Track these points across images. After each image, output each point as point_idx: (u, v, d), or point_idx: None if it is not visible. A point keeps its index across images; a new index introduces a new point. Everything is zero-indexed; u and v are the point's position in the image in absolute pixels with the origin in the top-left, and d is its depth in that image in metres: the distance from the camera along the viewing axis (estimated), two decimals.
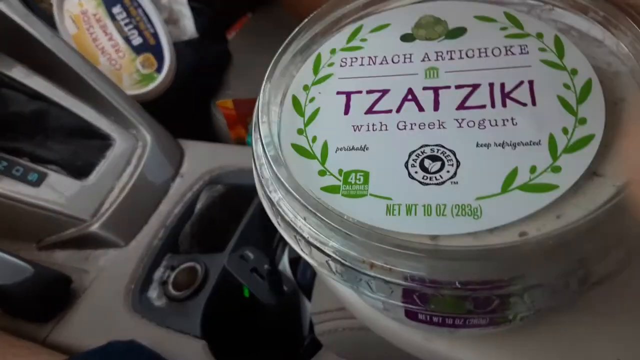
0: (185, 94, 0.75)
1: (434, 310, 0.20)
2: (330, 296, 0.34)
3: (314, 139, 0.22)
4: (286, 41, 0.26)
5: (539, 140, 0.19)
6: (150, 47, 0.71)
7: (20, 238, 0.57)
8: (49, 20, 0.67)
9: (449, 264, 0.17)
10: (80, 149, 0.59)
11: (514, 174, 0.18)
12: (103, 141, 0.61)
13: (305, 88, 0.24)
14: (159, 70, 0.71)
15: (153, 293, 0.51)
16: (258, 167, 0.22)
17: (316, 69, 0.25)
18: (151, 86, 0.71)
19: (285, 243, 0.47)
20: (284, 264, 0.47)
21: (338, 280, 0.20)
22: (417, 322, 0.23)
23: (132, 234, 0.57)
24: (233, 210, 0.58)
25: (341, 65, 0.24)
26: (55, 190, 0.56)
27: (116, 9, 0.70)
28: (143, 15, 0.71)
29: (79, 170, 0.58)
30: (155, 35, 0.71)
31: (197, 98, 0.77)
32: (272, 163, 0.20)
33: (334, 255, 0.18)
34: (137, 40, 0.71)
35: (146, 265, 0.54)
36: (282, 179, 0.20)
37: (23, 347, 0.46)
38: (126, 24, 0.70)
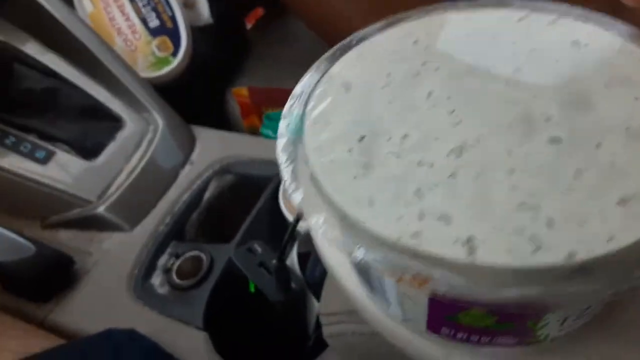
0: (199, 80, 0.73)
1: (460, 323, 0.19)
2: (341, 298, 0.33)
3: None
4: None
5: None
6: (167, 30, 0.70)
7: (25, 215, 0.56)
8: None
9: (484, 282, 0.15)
10: (90, 129, 0.58)
11: None
12: (114, 123, 0.60)
13: None
14: (174, 54, 0.70)
15: (156, 280, 0.50)
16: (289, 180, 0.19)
17: None
18: (166, 70, 0.69)
19: (294, 238, 0.46)
20: (292, 259, 0.45)
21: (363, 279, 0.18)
22: (440, 337, 0.21)
23: (138, 218, 0.55)
24: (242, 202, 0.57)
25: None
26: (63, 169, 0.55)
27: None
28: None
29: (88, 151, 0.57)
30: (173, 18, 0.70)
31: (211, 85, 0.76)
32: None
33: (363, 257, 0.17)
34: (154, 23, 0.69)
35: (150, 252, 0.52)
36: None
37: (20, 329, 0.46)
38: (144, 6, 0.69)
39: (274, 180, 0.57)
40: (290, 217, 0.49)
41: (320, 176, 0.18)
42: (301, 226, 0.47)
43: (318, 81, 0.22)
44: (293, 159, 0.20)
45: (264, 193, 0.56)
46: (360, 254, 0.16)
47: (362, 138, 0.19)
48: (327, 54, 0.23)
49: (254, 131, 0.69)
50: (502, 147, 0.18)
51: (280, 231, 0.55)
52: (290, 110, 0.21)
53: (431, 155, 0.18)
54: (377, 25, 0.24)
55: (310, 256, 0.45)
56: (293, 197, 0.18)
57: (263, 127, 0.65)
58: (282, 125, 0.21)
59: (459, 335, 0.20)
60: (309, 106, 0.21)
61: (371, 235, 0.17)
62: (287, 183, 0.19)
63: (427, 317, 0.20)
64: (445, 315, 0.19)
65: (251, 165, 0.59)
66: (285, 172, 0.19)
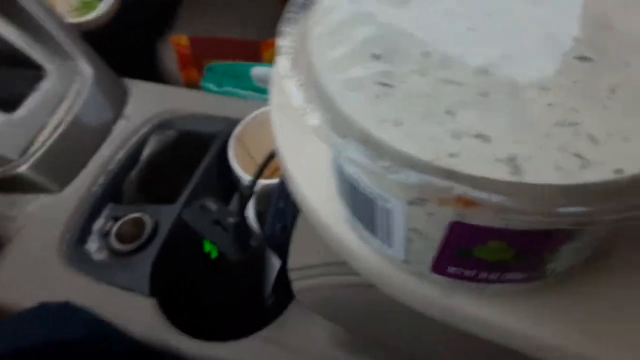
0: (128, 30, 0.68)
1: (473, 259, 0.18)
2: (313, 250, 0.31)
3: None
4: None
5: None
6: None
7: None
8: None
9: (529, 203, 0.14)
10: (7, 78, 0.52)
11: None
12: (34, 71, 0.53)
13: None
14: None
15: (92, 246, 0.46)
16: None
17: None
18: (91, 15, 0.63)
19: (249, 195, 0.43)
20: (250, 216, 0.43)
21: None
22: (443, 277, 0.20)
23: (67, 178, 0.50)
24: (185, 160, 0.53)
25: None
26: None
27: None
28: None
29: (5, 102, 0.50)
30: None
31: (141, 35, 0.70)
32: None
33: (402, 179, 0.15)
34: None
35: (84, 214, 0.48)
36: None
37: None
38: None
39: (220, 136, 0.53)
40: (242, 174, 0.46)
41: (337, 96, 0.17)
42: (258, 183, 0.45)
43: None
44: (301, 78, 0.17)
45: (210, 150, 0.52)
46: (398, 176, 0.14)
47: (378, 56, 0.18)
48: None
49: (192, 85, 0.64)
50: (531, 65, 0.18)
51: (230, 190, 0.52)
52: (289, 21, 0.19)
53: (457, 73, 0.17)
54: None
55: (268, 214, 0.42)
56: (310, 120, 0.16)
57: (204, 80, 0.61)
58: (284, 41, 0.18)
59: (467, 273, 0.19)
60: (311, 21, 0.19)
61: (402, 157, 0.15)
62: (301, 104, 0.17)
63: (438, 253, 0.19)
64: (460, 250, 0.18)
65: (194, 120, 0.55)
66: (296, 94, 0.17)
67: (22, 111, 0.50)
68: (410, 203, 0.17)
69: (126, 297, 0.42)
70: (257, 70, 0.58)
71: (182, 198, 0.48)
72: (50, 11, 0.56)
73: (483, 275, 0.19)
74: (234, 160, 0.47)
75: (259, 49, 0.59)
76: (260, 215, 0.43)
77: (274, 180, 0.44)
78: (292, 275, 0.32)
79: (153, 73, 0.69)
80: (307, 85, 0.17)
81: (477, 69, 0.17)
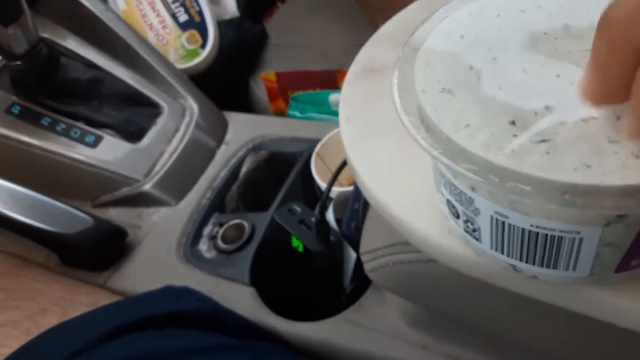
0: (225, 70, 0.78)
1: None
2: (379, 235, 0.37)
3: None
4: None
5: None
6: (195, 24, 0.75)
7: (77, 196, 0.61)
8: None
9: None
10: (133, 115, 0.63)
11: None
12: (153, 109, 0.64)
13: None
14: (203, 46, 0.75)
15: (203, 246, 0.55)
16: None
17: None
18: (195, 61, 0.74)
19: (326, 197, 0.50)
20: (329, 218, 0.50)
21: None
22: (623, 273, 0.21)
23: (182, 194, 0.60)
24: (275, 176, 0.62)
25: None
26: (111, 152, 0.60)
27: None
28: None
29: (132, 135, 0.62)
30: (200, 12, 0.75)
31: (236, 74, 0.81)
32: None
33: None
34: (183, 17, 0.74)
35: (196, 222, 0.57)
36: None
37: (87, 288, 0.51)
38: (173, 1, 0.74)
39: (303, 154, 0.61)
40: (322, 184, 0.54)
41: (513, 166, 0.17)
42: (333, 190, 0.52)
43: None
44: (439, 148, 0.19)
45: (296, 166, 0.61)
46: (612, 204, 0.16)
47: (513, 122, 0.19)
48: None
49: (280, 114, 0.74)
50: None
51: (312, 198, 0.60)
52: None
53: (587, 110, 0.18)
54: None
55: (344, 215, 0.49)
56: (459, 170, 0.18)
57: (289, 108, 0.70)
58: (413, 130, 0.20)
59: None
60: (433, 118, 0.20)
61: (612, 189, 0.16)
62: (449, 164, 0.18)
63: (625, 254, 0.20)
64: None
65: (282, 142, 0.64)
66: (443, 158, 0.18)
67: (145, 141, 0.62)
68: (608, 224, 0.18)
69: (231, 286, 0.50)
70: (334, 97, 0.66)
71: (274, 206, 0.56)
72: (164, 59, 0.68)
73: None
74: (315, 173, 0.55)
75: (335, 78, 0.68)
76: (338, 221, 0.50)
77: (350, 188, 0.51)
78: (363, 258, 0.38)
79: (247, 105, 0.80)
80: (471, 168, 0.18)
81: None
